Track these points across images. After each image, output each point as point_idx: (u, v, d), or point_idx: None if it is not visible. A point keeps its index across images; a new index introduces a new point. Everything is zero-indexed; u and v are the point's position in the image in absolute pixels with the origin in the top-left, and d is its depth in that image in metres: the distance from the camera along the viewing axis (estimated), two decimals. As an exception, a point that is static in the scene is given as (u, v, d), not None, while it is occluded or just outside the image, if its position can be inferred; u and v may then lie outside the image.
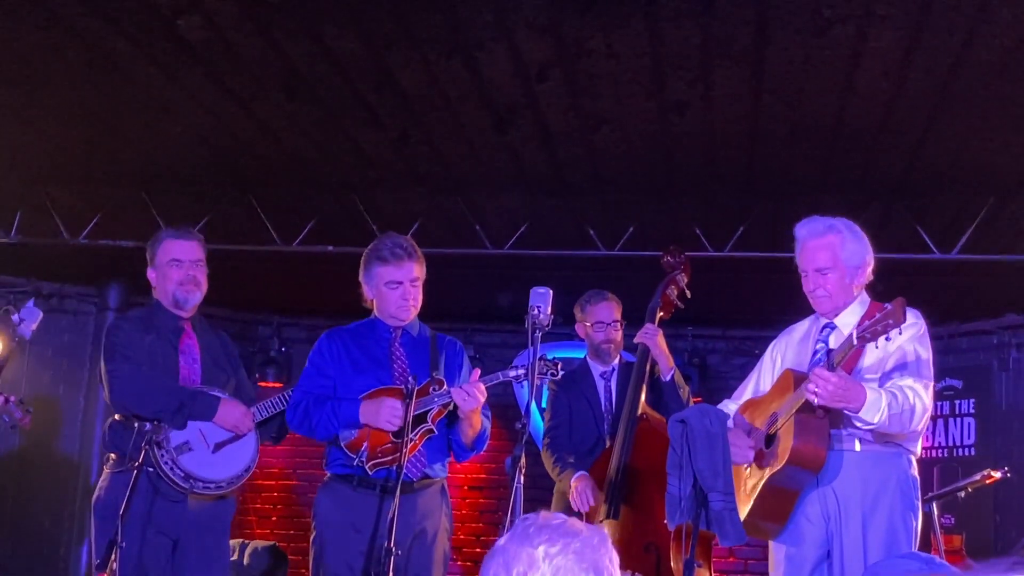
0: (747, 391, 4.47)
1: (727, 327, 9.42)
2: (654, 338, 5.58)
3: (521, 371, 4.57)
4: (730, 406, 4.43)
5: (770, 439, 4.13)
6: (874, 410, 3.85)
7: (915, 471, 4.16)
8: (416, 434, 4.43)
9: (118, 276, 8.60)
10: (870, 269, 4.27)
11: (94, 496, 4.75)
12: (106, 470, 4.75)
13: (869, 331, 3.78)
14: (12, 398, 4.91)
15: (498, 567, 2.10)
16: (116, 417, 4.69)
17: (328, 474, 4.66)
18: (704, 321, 9.00)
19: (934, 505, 5.76)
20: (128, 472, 4.48)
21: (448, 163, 6.32)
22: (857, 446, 4.06)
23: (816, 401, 3.84)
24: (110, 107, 5.73)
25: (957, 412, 8.74)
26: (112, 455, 4.71)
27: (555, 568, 2.06)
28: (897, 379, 4.00)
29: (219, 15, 4.62)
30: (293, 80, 5.28)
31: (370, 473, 4.44)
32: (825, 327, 4.26)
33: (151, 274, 4.92)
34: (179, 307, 4.86)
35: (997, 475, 5.85)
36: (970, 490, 5.92)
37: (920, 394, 3.97)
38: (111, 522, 4.36)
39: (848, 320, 4.12)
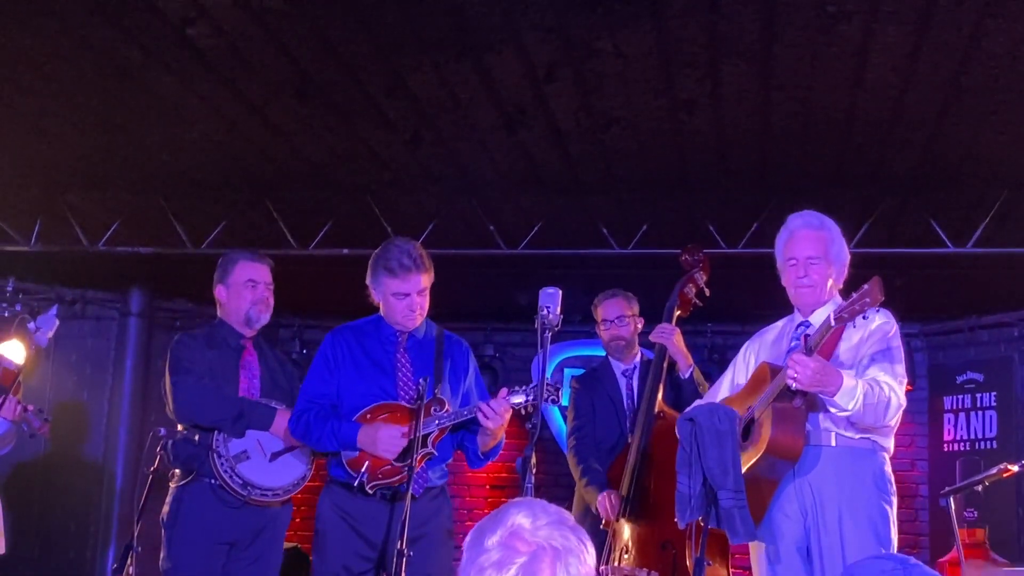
0: (721, 391, 4.51)
1: (746, 323, 9.39)
2: (671, 337, 5.57)
3: (532, 395, 4.39)
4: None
5: (746, 432, 4.15)
6: (849, 396, 3.91)
7: (889, 468, 4.20)
8: (416, 458, 4.38)
9: (139, 281, 8.67)
10: (845, 269, 4.38)
11: (162, 512, 4.94)
12: (171, 485, 4.95)
13: (847, 311, 3.84)
14: (31, 407, 4.97)
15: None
16: (180, 430, 4.86)
17: (328, 477, 4.69)
18: (723, 317, 8.98)
19: (952, 499, 5.73)
20: (190, 484, 4.80)
21: (461, 164, 6.35)
22: (833, 441, 4.10)
23: (794, 385, 3.89)
24: (126, 115, 5.79)
25: (978, 405, 8.69)
26: (176, 470, 4.89)
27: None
28: (873, 373, 4.05)
29: (227, 23, 4.67)
30: (305, 85, 5.32)
31: (370, 492, 4.45)
32: (800, 325, 4.32)
33: (221, 292, 5.13)
34: (249, 325, 5.09)
35: (1015, 468, 5.81)
36: (987, 484, 5.88)
37: (895, 390, 4.03)
38: (178, 534, 4.72)
39: (822, 317, 4.17)
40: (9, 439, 5.13)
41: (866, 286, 3.80)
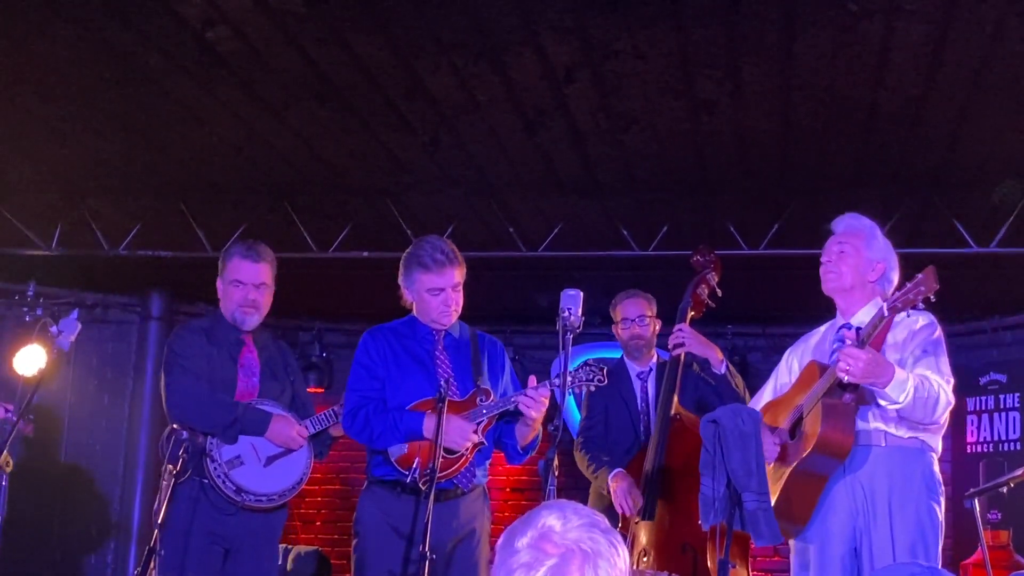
0: (764, 397, 4.48)
1: (767, 324, 9.37)
2: (692, 340, 5.52)
3: (569, 379, 4.39)
4: None
5: (794, 430, 4.12)
6: (900, 389, 3.87)
7: (937, 468, 4.16)
8: (469, 449, 4.46)
9: (160, 285, 8.70)
10: (892, 274, 4.30)
11: (154, 508, 4.85)
12: (163, 482, 4.84)
13: (900, 300, 3.79)
14: (10, 406, 4.96)
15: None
16: (174, 427, 4.75)
17: (370, 479, 4.64)
18: (744, 319, 8.96)
19: (976, 501, 5.69)
20: (184, 483, 4.63)
21: (480, 166, 6.34)
22: (883, 441, 4.07)
23: (847, 378, 3.85)
24: (146, 120, 5.81)
25: (1002, 406, 8.64)
26: (170, 467, 4.79)
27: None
28: (920, 370, 4.02)
29: (247, 26, 4.67)
30: (324, 88, 5.33)
31: (423, 488, 4.36)
32: (842, 327, 4.28)
33: (218, 284, 5.02)
34: (237, 325, 4.96)
35: (1039, 470, 5.76)
36: (1012, 485, 5.83)
37: (944, 387, 4.00)
38: (165, 531, 4.50)
39: (864, 319, 4.16)
40: None
41: (920, 275, 3.75)
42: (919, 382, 3.92)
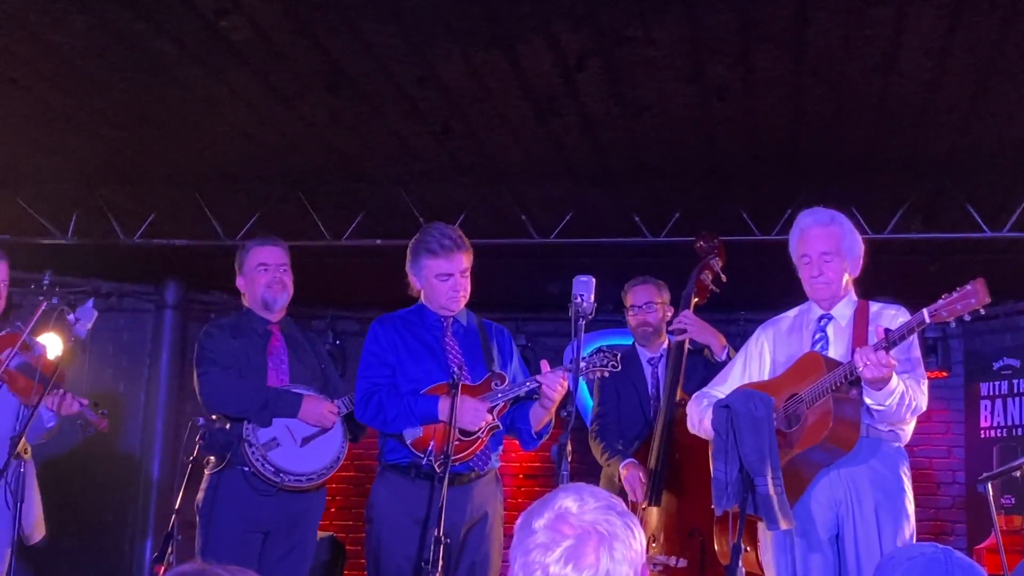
0: (733, 378, 4.50)
1: (779, 310, 9.33)
2: (694, 326, 5.54)
3: (583, 365, 4.48)
4: (718, 391, 4.48)
5: (789, 422, 4.14)
6: (889, 394, 3.95)
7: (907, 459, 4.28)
8: (484, 431, 4.50)
9: (175, 274, 8.74)
10: (860, 263, 4.38)
11: (197, 499, 4.99)
12: (206, 472, 5.00)
13: (945, 310, 3.78)
14: (84, 401, 5.03)
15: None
16: (213, 419, 4.89)
17: (383, 464, 4.67)
18: (756, 306, 8.94)
19: (989, 486, 5.69)
20: (224, 471, 4.86)
21: (492, 154, 6.36)
22: (866, 433, 4.13)
23: (870, 375, 3.85)
24: (159, 109, 5.83)
25: (1015, 391, 8.63)
26: (211, 458, 4.94)
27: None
28: (906, 377, 4.09)
29: (260, 15, 4.69)
30: (336, 76, 5.34)
31: (438, 471, 4.39)
32: (822, 318, 4.35)
33: (240, 282, 5.21)
34: (268, 309, 5.14)
35: (1053, 454, 5.78)
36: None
37: (921, 394, 4.10)
38: (212, 521, 4.77)
39: (844, 312, 4.30)
40: (53, 432, 5.17)
41: (969, 286, 3.75)
42: (905, 389, 4.00)
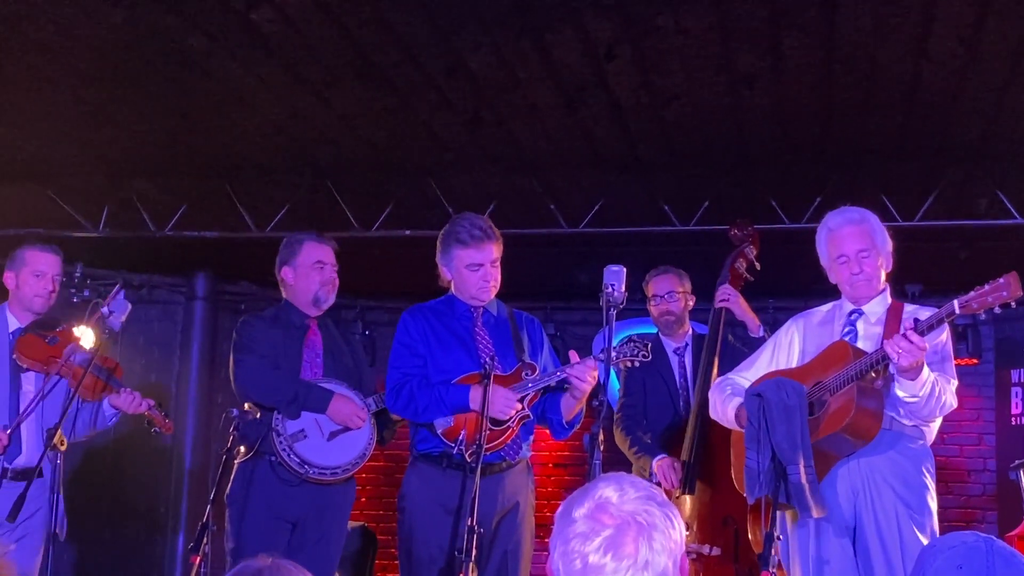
0: (760, 365, 4.48)
1: (808, 298, 9.29)
2: (736, 300, 5.57)
3: (614, 354, 4.47)
4: (742, 377, 4.48)
5: (812, 408, 4.13)
6: (921, 385, 3.93)
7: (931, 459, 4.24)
8: (515, 421, 4.50)
9: (205, 265, 8.80)
10: (892, 258, 4.37)
11: (227, 488, 5.03)
12: (236, 462, 5.03)
13: (976, 302, 3.76)
14: (152, 402, 5.10)
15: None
16: (246, 409, 4.89)
17: (414, 454, 4.68)
18: (785, 293, 8.92)
19: (1021, 472, 5.68)
20: (252, 460, 4.90)
21: (521, 144, 6.36)
22: (890, 426, 4.11)
23: (902, 362, 3.83)
24: (190, 101, 5.87)
25: (1047, 378, 8.59)
26: (242, 447, 4.98)
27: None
28: (935, 373, 4.06)
29: (290, 6, 4.71)
30: (365, 67, 5.36)
31: (469, 461, 4.40)
32: (853, 312, 4.33)
33: (287, 273, 5.21)
34: (316, 306, 5.19)
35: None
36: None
37: (951, 393, 4.07)
38: (241, 509, 4.84)
39: (875, 308, 4.27)
40: (110, 430, 5.24)
41: (1002, 280, 3.73)
42: (935, 380, 3.98)
